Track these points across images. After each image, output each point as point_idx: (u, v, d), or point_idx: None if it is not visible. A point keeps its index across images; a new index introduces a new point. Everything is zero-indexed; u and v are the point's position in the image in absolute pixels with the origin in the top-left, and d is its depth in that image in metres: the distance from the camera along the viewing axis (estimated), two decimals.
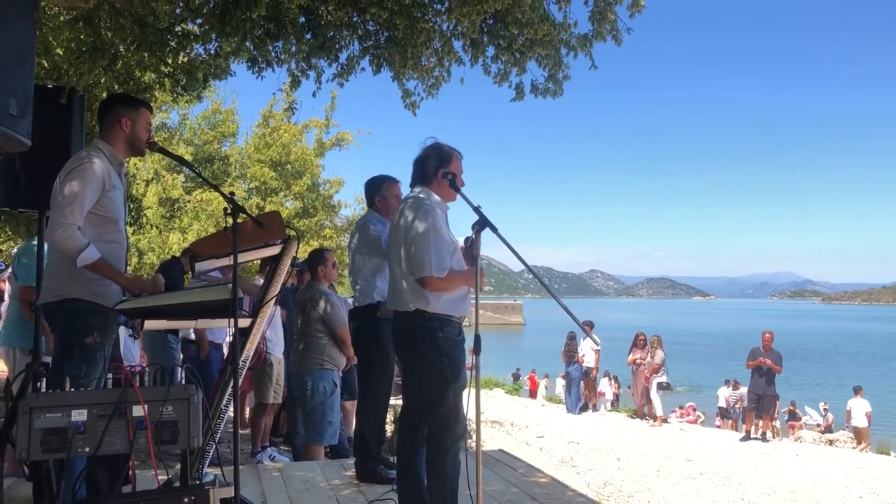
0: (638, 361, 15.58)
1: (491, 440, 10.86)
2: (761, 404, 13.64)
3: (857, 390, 18.40)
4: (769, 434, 14.33)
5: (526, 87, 6.10)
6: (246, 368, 3.79)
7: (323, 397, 5.49)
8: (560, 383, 21.18)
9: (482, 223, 3.38)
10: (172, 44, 5.44)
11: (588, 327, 16.39)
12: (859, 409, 17.51)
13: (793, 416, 23.42)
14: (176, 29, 5.51)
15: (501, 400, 18.41)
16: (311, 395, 5.49)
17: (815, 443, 18.93)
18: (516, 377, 29.67)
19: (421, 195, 3.62)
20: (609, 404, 19.26)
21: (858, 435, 17.20)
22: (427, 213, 3.46)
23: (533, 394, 26.37)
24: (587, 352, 16.78)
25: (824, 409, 25.10)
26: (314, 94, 6.16)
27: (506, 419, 13.78)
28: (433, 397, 3.46)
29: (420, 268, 3.39)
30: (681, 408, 23.57)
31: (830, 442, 19.49)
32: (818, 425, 24.57)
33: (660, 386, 15.41)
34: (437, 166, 3.64)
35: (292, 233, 3.75)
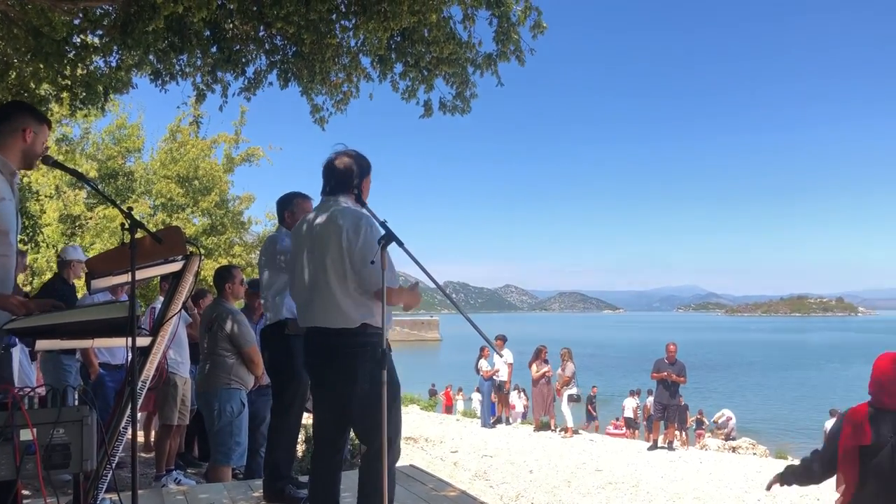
0: (548, 374, 15.85)
1: (405, 457, 10.81)
2: (667, 414, 14.09)
3: (832, 413, 19.52)
4: (676, 443, 14.80)
5: (434, 104, 6.19)
6: (146, 389, 3.68)
7: (230, 417, 5.37)
8: (477, 397, 21.36)
9: (388, 238, 3.33)
10: (70, 55, 5.28)
11: (500, 342, 16.61)
12: None
13: (699, 424, 24.25)
14: (74, 40, 5.35)
15: (416, 416, 18.36)
16: (219, 415, 5.36)
17: (720, 450, 19.64)
18: (432, 393, 29.70)
19: (350, 205, 3.45)
20: (521, 417, 19.49)
21: None
22: (373, 224, 3.33)
23: (448, 409, 26.45)
24: (500, 366, 16.96)
25: (727, 418, 26.08)
26: (220, 108, 6.10)
27: (420, 435, 13.75)
28: (377, 420, 3.22)
29: (378, 281, 3.22)
30: (617, 419, 24.15)
31: (733, 449, 20.28)
32: (717, 429, 25.60)
33: (570, 398, 15.72)
34: (361, 177, 3.51)
35: (194, 249, 3.66)
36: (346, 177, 3.50)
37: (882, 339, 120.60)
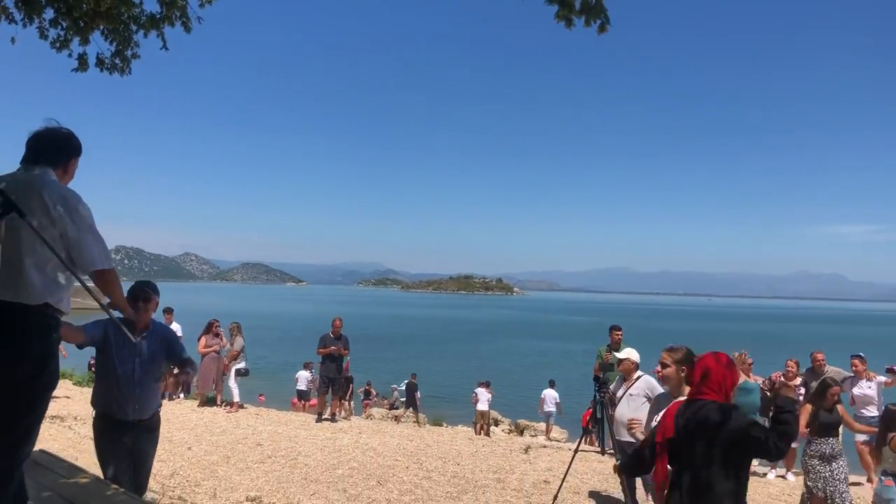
0: (217, 349, 15.55)
1: (49, 439, 9.90)
2: (333, 387, 14.59)
3: (481, 384, 21.55)
4: (340, 414, 15.36)
5: (91, 59, 5.72)
6: None
7: None
8: None
9: (5, 206, 3.01)
10: None
11: (169, 315, 15.92)
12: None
13: (368, 395, 25.54)
14: None
15: (69, 391, 16.78)
16: None
17: (384, 419, 20.87)
18: (91, 366, 27.45)
19: (54, 178, 3.33)
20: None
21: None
22: (81, 199, 3.25)
23: None
24: None
25: (392, 388, 27.83)
26: None
27: (69, 413, 12.64)
28: (29, 409, 3.08)
29: (93, 261, 3.23)
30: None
31: (397, 418, 21.70)
32: (384, 399, 27.29)
33: (238, 372, 15.56)
34: (70, 155, 3.48)
35: None
36: (55, 151, 3.43)
37: (529, 316, 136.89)
